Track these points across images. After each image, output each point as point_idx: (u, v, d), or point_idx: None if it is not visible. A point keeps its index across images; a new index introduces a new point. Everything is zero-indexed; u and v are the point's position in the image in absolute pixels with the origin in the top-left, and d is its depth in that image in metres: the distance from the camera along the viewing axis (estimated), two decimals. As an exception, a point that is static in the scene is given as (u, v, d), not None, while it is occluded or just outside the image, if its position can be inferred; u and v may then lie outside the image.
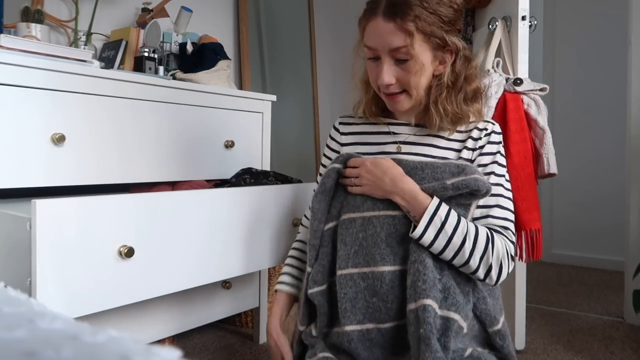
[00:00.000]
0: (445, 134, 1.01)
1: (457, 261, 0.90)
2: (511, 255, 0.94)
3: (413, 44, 0.91)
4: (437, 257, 0.90)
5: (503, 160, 1.00)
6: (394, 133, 1.05)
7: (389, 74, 0.94)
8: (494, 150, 0.99)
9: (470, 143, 1.00)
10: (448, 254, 0.89)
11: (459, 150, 1.00)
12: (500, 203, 0.97)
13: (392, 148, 1.03)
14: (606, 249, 2.78)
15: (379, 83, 0.95)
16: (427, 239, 0.88)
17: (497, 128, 1.02)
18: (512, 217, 0.98)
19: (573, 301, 2.19)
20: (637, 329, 1.85)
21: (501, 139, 1.02)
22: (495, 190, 0.96)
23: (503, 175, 0.99)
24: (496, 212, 0.96)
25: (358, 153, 1.03)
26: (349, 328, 0.90)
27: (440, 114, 0.97)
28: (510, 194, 0.99)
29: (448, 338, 0.85)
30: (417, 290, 0.85)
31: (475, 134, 1.00)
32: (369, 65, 0.98)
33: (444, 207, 0.89)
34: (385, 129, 1.06)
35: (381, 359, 0.91)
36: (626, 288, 1.94)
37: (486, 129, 1.00)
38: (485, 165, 0.98)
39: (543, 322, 1.91)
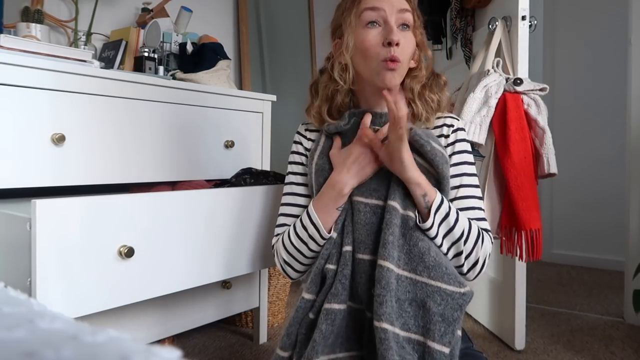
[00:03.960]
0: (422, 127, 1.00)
1: (452, 252, 0.91)
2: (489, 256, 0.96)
3: (414, 14, 0.95)
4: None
5: (471, 158, 1.00)
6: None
7: (398, 33, 0.92)
8: (463, 149, 0.99)
9: (442, 141, 0.99)
10: (445, 244, 0.90)
11: None
12: (476, 205, 0.97)
13: None
14: (606, 249, 2.78)
15: (391, 38, 0.90)
16: (434, 227, 0.88)
17: (462, 124, 1.02)
18: (486, 218, 1.00)
19: (573, 301, 2.19)
20: (637, 329, 1.85)
21: (466, 136, 1.03)
22: (469, 191, 0.97)
23: (475, 175, 0.99)
24: (476, 214, 0.96)
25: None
26: (344, 306, 0.91)
27: (428, 105, 0.98)
28: (480, 194, 1.00)
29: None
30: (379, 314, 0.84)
31: (445, 130, 1.00)
32: (367, 33, 0.94)
33: (445, 199, 0.90)
34: None
35: (332, 339, 0.91)
36: (626, 288, 1.94)
37: (453, 125, 1.00)
38: (456, 164, 0.98)
39: (543, 322, 1.91)
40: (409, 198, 0.90)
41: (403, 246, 0.88)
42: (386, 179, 0.93)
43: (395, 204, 0.89)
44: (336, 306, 0.88)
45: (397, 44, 0.91)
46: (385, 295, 0.84)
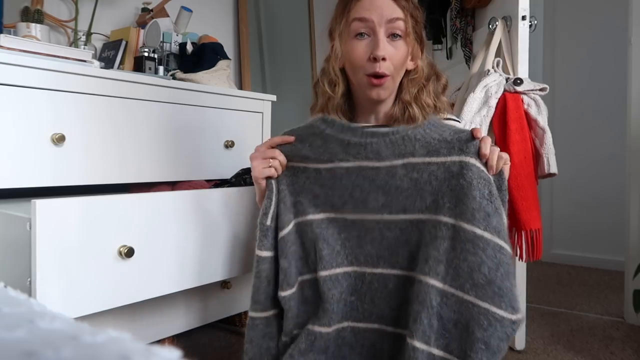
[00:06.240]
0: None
1: None
2: None
3: (407, 19, 0.91)
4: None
5: None
6: None
7: (385, 47, 0.90)
8: None
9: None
10: None
11: None
12: None
13: None
14: (606, 249, 2.78)
15: (376, 54, 0.89)
16: None
17: (462, 125, 1.02)
18: None
19: (573, 301, 2.19)
20: (637, 329, 1.85)
21: None
22: None
23: None
24: None
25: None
26: (329, 329, 0.90)
27: (424, 110, 0.94)
28: None
29: None
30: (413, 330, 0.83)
31: None
32: (354, 44, 0.92)
33: None
34: None
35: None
36: (626, 288, 1.94)
37: None
38: None
39: (543, 322, 1.91)
40: (459, 207, 0.84)
41: (452, 260, 0.82)
42: (386, 190, 0.90)
43: (445, 218, 0.84)
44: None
45: (383, 59, 0.89)
46: (422, 312, 0.80)
